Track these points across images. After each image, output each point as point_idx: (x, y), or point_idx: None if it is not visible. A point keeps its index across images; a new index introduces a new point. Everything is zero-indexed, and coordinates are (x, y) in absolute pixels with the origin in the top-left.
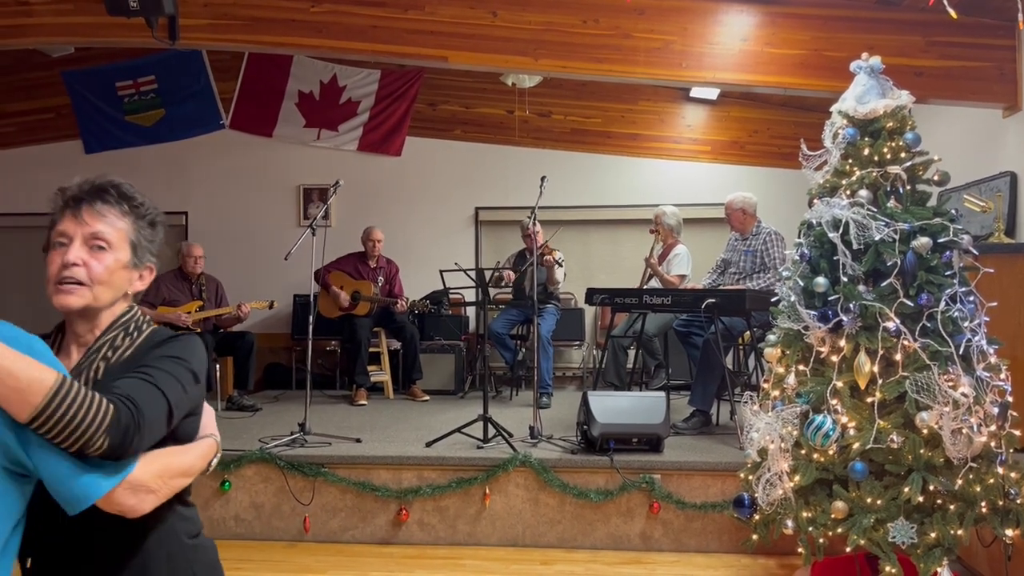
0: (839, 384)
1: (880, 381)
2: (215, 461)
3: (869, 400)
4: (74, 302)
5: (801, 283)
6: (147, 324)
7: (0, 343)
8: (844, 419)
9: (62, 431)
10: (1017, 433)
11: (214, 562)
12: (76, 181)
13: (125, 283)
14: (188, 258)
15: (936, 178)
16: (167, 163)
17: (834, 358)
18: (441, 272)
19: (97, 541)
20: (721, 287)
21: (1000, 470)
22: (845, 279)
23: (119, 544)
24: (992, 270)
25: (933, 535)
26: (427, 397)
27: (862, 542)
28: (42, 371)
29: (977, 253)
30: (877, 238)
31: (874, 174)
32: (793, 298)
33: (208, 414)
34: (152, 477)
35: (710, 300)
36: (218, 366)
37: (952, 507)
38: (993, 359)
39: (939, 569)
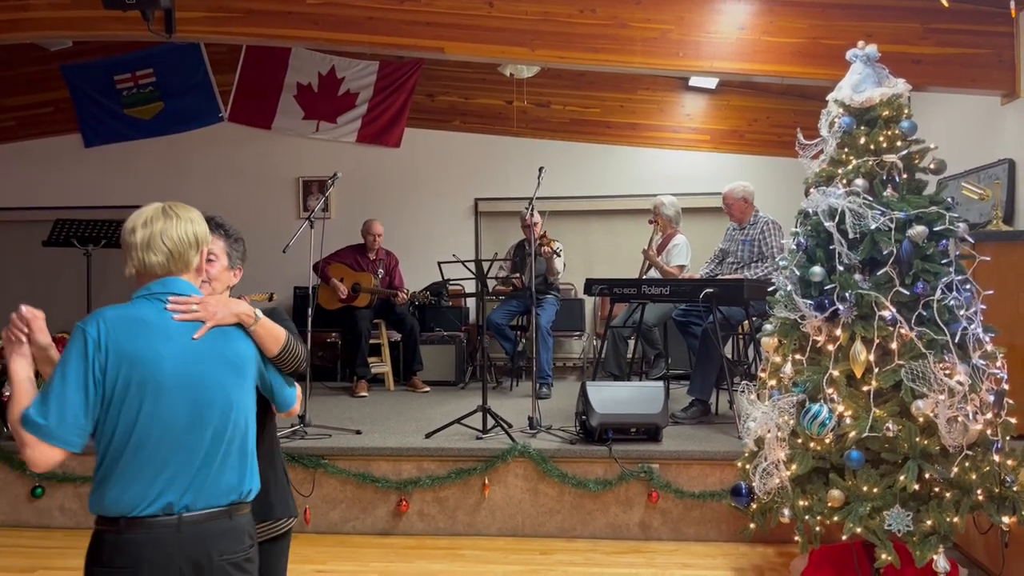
0: (835, 373)
1: (876, 370)
2: None
3: (865, 389)
4: (207, 292)
5: (797, 272)
6: None
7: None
8: (840, 408)
9: (289, 361)
10: (1013, 421)
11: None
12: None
13: (227, 279)
14: None
15: (932, 166)
16: (166, 156)
17: (830, 347)
18: (439, 264)
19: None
20: (719, 277)
21: (996, 458)
22: (841, 268)
23: (265, 433)
24: (988, 258)
25: (929, 523)
26: (427, 388)
27: (858, 530)
28: (279, 327)
29: (973, 241)
30: (873, 227)
31: (870, 163)
32: (789, 287)
33: None
34: (300, 393)
35: (708, 290)
36: None
37: (948, 495)
38: (989, 347)
39: (935, 556)
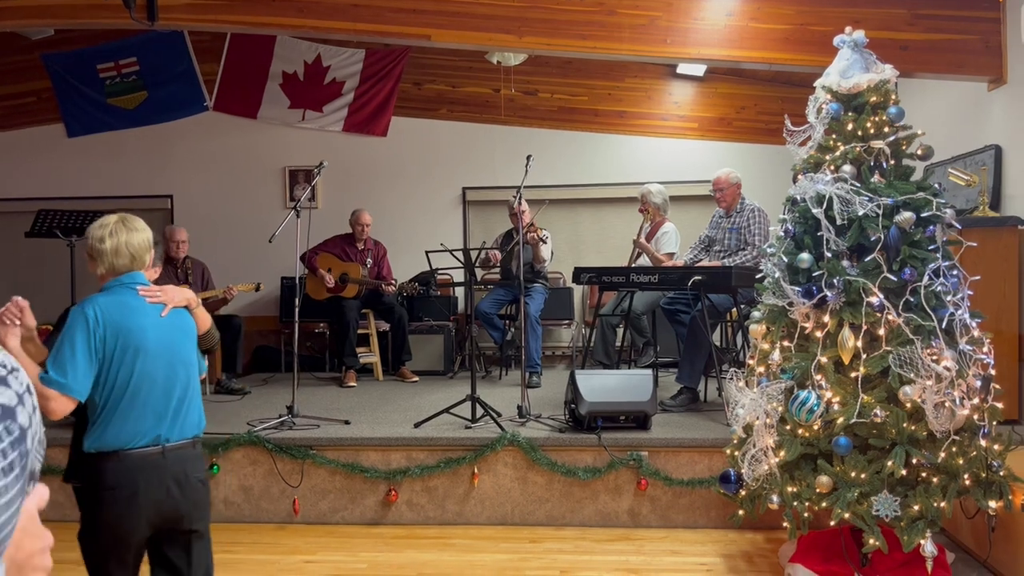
0: (823, 359)
1: (864, 356)
2: None
3: (853, 375)
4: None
5: (785, 259)
6: None
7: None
8: (828, 394)
9: (208, 340)
10: (999, 406)
11: None
12: None
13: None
14: (171, 243)
15: (920, 152)
16: (150, 146)
17: (818, 334)
18: (427, 253)
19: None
20: (702, 262)
21: (983, 443)
22: (829, 255)
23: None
24: (975, 244)
25: (916, 508)
26: (416, 378)
27: (846, 516)
28: (207, 315)
29: (960, 227)
30: (861, 213)
31: (858, 149)
32: (778, 274)
33: None
34: (207, 363)
35: (696, 278)
36: None
37: (935, 480)
38: (976, 332)
39: (922, 541)
